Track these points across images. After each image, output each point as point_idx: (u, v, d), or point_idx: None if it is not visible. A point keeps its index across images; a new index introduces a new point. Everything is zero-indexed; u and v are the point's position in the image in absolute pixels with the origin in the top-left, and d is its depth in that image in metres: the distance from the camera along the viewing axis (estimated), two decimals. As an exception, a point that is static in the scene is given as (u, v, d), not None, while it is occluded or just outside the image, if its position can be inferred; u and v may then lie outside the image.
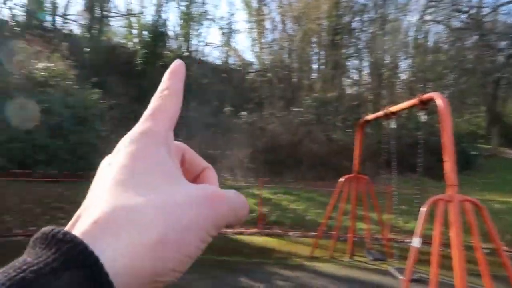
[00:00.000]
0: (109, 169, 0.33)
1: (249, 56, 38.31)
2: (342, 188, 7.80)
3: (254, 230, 9.76)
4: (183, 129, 15.50)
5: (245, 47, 46.59)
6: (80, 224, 0.29)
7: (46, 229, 0.26)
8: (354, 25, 23.32)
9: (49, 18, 20.17)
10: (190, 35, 23.89)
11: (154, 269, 0.28)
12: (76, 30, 21.51)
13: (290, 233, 9.79)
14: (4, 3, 19.85)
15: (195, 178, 0.41)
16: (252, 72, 23.40)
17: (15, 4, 25.00)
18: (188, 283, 6.26)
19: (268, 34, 24.49)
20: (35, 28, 16.12)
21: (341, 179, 7.83)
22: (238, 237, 9.40)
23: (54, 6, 20.31)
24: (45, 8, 19.66)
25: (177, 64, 0.40)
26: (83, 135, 11.63)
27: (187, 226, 0.30)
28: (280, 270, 7.09)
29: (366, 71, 24.44)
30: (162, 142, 0.35)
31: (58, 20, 21.03)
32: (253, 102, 19.15)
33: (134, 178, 0.31)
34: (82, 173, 9.53)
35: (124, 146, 0.34)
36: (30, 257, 0.25)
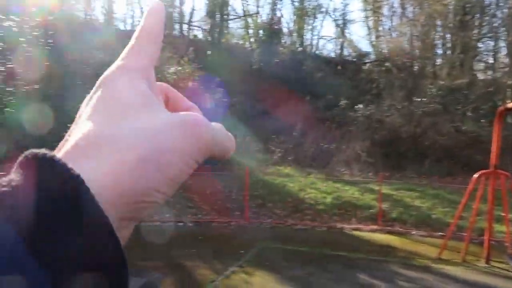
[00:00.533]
0: (91, 101, 0.34)
1: (365, 46, 36.77)
2: (477, 185, 7.01)
3: (374, 227, 9.41)
4: (298, 124, 15.69)
5: (361, 37, 44.84)
6: (63, 149, 0.30)
7: (28, 152, 0.27)
8: (487, 1, 20.59)
9: (177, 26, 22.35)
10: (304, 30, 24.01)
11: (136, 188, 0.29)
12: (200, 35, 23.41)
13: (413, 232, 9.19)
14: (142, 17, 22.59)
15: None
16: (369, 63, 22.42)
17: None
18: (305, 275, 6.37)
19: (385, 21, 23.19)
20: (166, 36, 18.03)
21: (475, 175, 7.04)
22: (356, 233, 9.19)
23: (182, 15, 22.42)
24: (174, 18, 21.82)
25: (155, 4, 0.39)
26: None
27: (169, 147, 0.31)
28: (404, 270, 6.72)
29: (503, 52, 21.38)
30: (142, 77, 0.35)
31: (185, 27, 23.17)
32: (370, 93, 18.35)
33: (114, 107, 0.32)
34: (208, 166, 10.36)
35: (102, 81, 0.35)
36: (13, 176, 0.26)
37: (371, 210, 10.17)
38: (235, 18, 24.50)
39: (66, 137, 0.32)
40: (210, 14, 22.11)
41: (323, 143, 15.27)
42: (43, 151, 0.26)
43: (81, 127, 0.31)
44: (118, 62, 0.36)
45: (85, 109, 0.33)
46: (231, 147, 0.37)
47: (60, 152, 0.30)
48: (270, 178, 12.51)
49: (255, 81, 17.89)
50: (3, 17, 12.19)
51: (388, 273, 6.58)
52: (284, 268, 6.57)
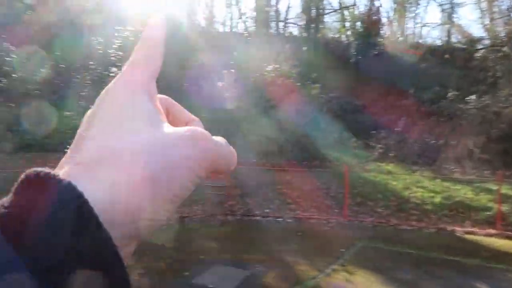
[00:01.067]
0: (92, 117, 0.33)
1: (477, 31, 33.19)
2: None
3: (491, 231, 8.49)
4: (400, 118, 14.84)
5: (471, 21, 40.57)
6: (66, 166, 0.30)
7: (29, 171, 0.26)
8: None
9: (273, 24, 22.75)
10: (405, 18, 22.58)
11: (141, 207, 0.28)
12: (296, 32, 23.50)
13: (541, 239, 8.06)
14: (240, 18, 23.50)
15: None
16: (482, 49, 20.19)
17: (246, 17, 29.34)
18: (413, 279, 6.00)
19: (502, 1, 20.62)
20: (263, 35, 18.45)
21: None
22: (469, 236, 8.40)
23: (278, 13, 22.74)
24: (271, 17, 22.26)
25: (156, 19, 0.38)
26: (305, 129, 12.63)
27: (173, 164, 0.30)
28: (531, 282, 5.94)
29: None
30: (144, 90, 0.34)
31: (281, 25, 23.47)
32: (484, 83, 16.52)
33: (116, 123, 0.32)
34: (306, 163, 10.38)
35: (105, 95, 0.34)
36: (15, 196, 0.26)
37: (487, 212, 9.20)
38: (331, 12, 24.07)
39: (68, 153, 0.32)
40: (306, 9, 22.02)
41: (430, 138, 14.20)
42: (45, 170, 0.26)
43: (83, 144, 0.31)
44: (121, 76, 0.35)
45: (87, 125, 0.33)
46: (233, 161, 0.36)
47: (63, 170, 0.30)
48: (370, 175, 12.03)
49: (352, 75, 17.37)
50: (122, 27, 13.69)
51: (511, 284, 5.87)
52: (388, 269, 6.28)
